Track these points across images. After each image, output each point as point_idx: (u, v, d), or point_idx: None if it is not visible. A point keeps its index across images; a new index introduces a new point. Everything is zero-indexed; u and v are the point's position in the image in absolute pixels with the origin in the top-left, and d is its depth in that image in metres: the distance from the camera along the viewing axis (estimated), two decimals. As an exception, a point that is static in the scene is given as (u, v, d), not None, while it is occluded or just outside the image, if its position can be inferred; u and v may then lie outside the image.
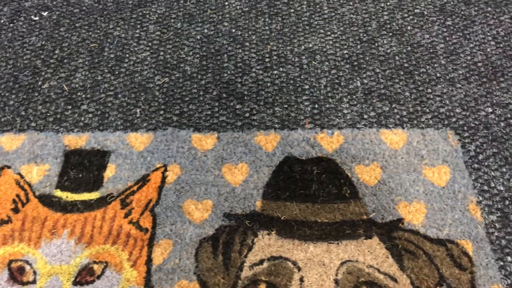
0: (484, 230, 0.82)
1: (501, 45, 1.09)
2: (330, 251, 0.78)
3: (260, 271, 0.77)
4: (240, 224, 0.82)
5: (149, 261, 0.78)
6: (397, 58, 1.07)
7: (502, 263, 0.79)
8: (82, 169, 0.88)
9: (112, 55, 1.08)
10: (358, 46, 1.09)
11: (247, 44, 1.10)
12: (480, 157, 0.92)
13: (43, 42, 1.11)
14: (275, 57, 1.08)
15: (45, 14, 1.11)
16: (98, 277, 0.76)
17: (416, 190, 0.85)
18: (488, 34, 1.11)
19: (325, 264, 0.77)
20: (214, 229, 0.81)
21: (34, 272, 0.77)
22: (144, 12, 1.16)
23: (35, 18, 1.12)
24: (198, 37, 1.11)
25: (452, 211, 0.83)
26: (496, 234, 0.82)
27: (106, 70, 1.06)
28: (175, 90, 1.02)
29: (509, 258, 0.80)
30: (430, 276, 0.76)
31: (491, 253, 0.79)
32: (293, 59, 1.07)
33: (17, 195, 0.85)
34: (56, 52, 1.09)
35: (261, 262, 0.78)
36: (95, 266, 0.77)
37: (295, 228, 0.81)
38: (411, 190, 0.85)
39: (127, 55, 1.08)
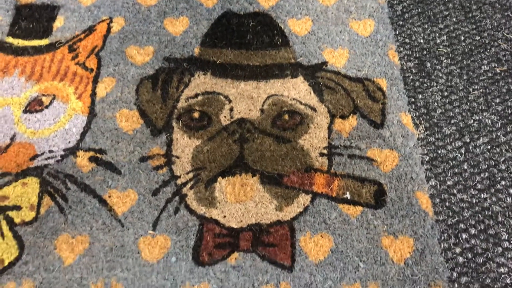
0: (400, 73, 0.90)
1: None
2: (258, 88, 0.87)
3: (195, 102, 0.85)
4: (179, 66, 0.89)
5: (93, 94, 0.86)
6: None
7: (413, 100, 0.89)
8: (32, 20, 0.94)
9: None
10: None
11: None
12: (406, 16, 0.99)
13: None
14: None
15: None
16: (47, 107, 0.84)
17: (342, 39, 0.93)
18: None
19: (253, 98, 0.86)
20: (154, 70, 0.89)
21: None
22: None
23: None
24: None
25: (372, 55, 0.91)
26: (411, 77, 0.91)
27: None
28: (124, -43, 1.06)
29: (420, 96, 0.89)
30: (346, 106, 0.85)
31: (403, 90, 0.88)
32: None
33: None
34: None
35: (196, 95, 0.86)
36: (44, 98, 0.85)
37: (228, 69, 0.89)
38: (337, 39, 0.93)
39: None
